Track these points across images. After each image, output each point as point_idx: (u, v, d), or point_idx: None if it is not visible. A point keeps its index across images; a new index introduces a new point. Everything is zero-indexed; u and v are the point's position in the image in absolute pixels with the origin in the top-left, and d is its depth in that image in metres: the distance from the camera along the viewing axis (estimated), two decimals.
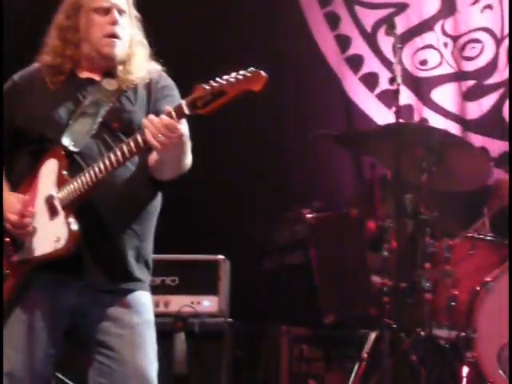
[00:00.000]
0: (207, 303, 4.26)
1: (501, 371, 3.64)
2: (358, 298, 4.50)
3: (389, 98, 5.42)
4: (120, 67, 2.88)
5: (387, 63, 5.64)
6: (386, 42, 5.62)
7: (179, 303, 4.23)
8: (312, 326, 4.42)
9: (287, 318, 4.53)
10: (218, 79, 2.56)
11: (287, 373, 4.32)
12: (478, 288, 4.04)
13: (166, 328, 4.07)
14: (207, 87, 2.54)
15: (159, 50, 2.99)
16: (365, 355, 4.19)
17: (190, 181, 3.01)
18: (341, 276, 4.50)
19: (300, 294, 4.54)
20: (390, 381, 4.05)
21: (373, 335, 4.26)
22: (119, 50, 2.86)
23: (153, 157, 2.77)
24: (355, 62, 5.86)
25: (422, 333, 4.18)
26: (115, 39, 2.84)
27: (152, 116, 2.60)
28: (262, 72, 2.55)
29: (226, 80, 2.54)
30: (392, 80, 4.31)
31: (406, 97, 5.72)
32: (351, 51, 5.88)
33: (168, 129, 2.56)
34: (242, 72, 2.56)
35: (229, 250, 4.50)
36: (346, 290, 4.48)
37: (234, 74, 2.55)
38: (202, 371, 4.11)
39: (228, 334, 4.19)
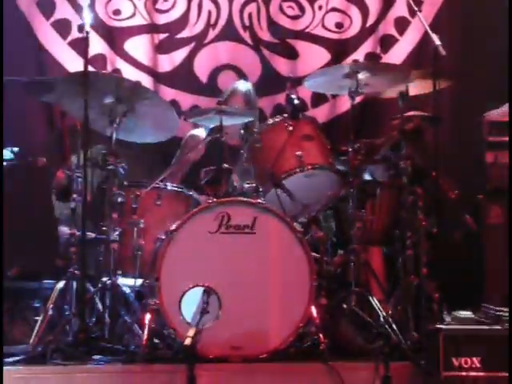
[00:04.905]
0: None
1: (181, 317, 3.75)
2: (45, 249, 4.43)
3: (81, 47, 5.31)
4: None
5: (80, 10, 5.52)
6: None
7: None
8: None
9: None
10: None
11: None
12: (163, 237, 4.15)
13: None
14: None
15: None
16: (50, 306, 4.16)
17: None
18: (26, 227, 4.39)
19: None
20: (73, 331, 4.05)
21: (59, 286, 4.23)
22: None
23: None
24: (47, 7, 5.71)
25: (108, 282, 4.22)
26: None
27: None
28: None
29: None
30: (81, 28, 4.26)
31: (99, 46, 5.68)
32: None
33: None
34: None
35: None
36: (32, 241, 4.39)
37: None
38: None
39: None
